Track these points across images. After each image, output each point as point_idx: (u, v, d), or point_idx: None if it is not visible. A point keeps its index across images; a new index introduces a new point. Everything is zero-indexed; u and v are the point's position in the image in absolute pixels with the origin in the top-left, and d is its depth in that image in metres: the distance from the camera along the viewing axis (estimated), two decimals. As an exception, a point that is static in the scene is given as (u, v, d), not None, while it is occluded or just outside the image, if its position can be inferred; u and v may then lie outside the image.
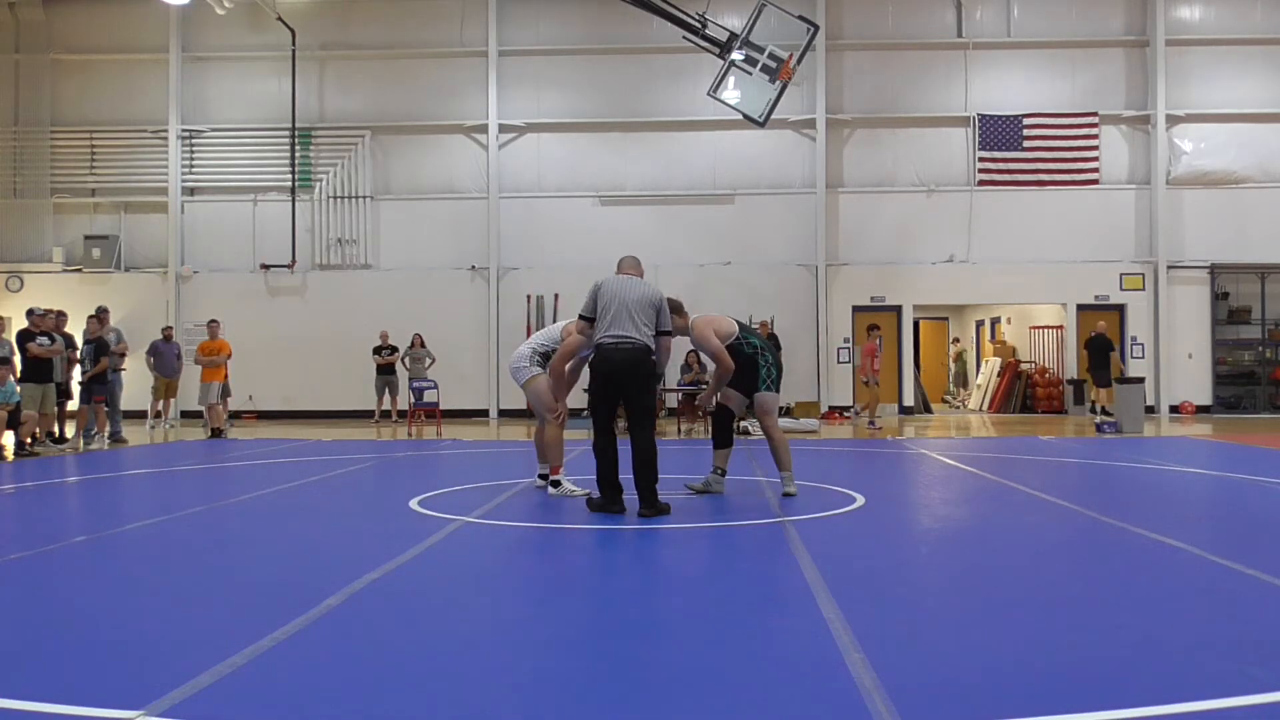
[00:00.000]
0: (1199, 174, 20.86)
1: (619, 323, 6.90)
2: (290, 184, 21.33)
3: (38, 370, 13.28)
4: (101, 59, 21.72)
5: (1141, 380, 17.32)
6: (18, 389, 12.88)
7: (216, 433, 15.86)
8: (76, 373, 14.43)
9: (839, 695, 3.20)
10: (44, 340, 13.38)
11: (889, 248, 21.00)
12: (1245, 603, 4.51)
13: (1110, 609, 4.41)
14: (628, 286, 7.11)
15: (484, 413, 20.89)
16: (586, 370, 7.35)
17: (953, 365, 25.94)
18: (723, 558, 5.74)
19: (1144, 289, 20.95)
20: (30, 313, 13.65)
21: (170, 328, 17.94)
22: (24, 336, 13.38)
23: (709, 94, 17.27)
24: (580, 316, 7.16)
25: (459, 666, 3.65)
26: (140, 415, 17.81)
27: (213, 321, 16.75)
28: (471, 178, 21.36)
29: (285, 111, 21.22)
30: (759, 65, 16.16)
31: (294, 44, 21.04)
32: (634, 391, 6.89)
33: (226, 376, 17.36)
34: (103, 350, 14.42)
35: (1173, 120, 20.84)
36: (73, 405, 14.41)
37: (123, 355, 15.46)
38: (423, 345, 19.24)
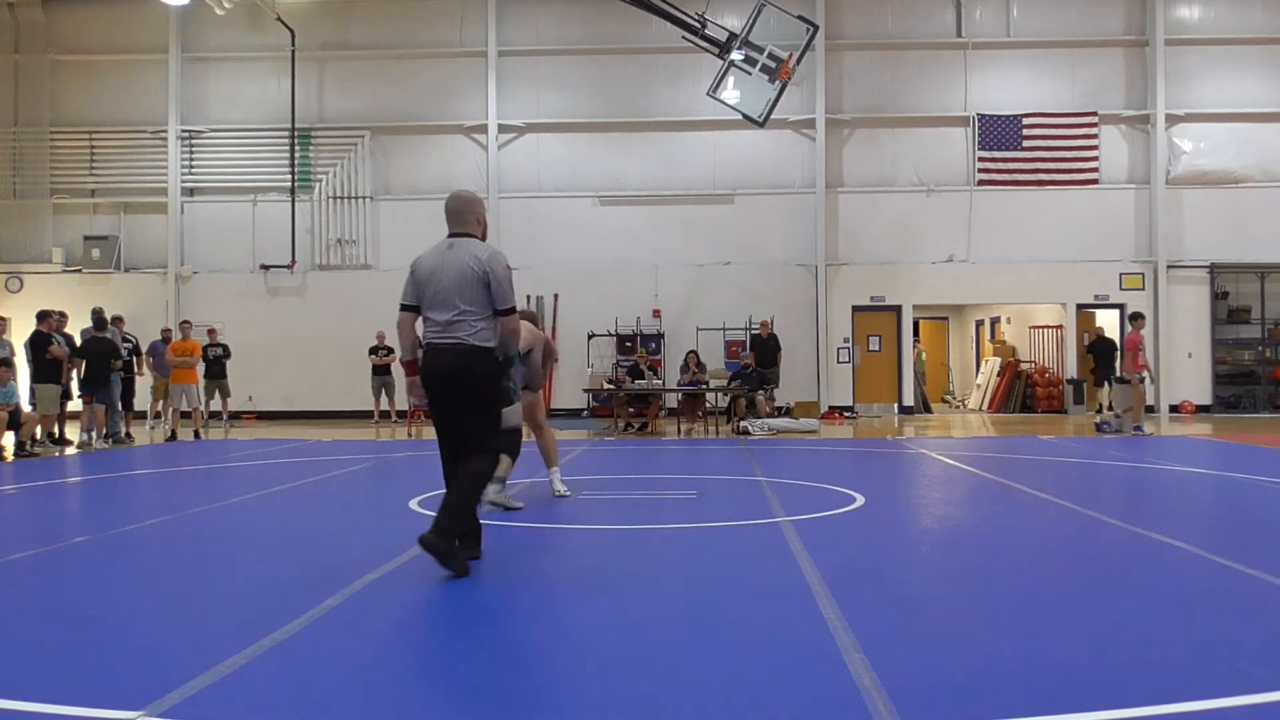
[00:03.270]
0: (1199, 174, 20.86)
1: (437, 308, 5.14)
2: (290, 184, 21.33)
3: (51, 371, 13.32)
4: (101, 59, 21.72)
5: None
6: (17, 390, 12.89)
7: (173, 435, 15.56)
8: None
9: (839, 695, 3.20)
10: (58, 339, 13.46)
11: (889, 248, 20.99)
12: (1245, 603, 4.51)
13: (1110, 609, 4.40)
14: (446, 259, 5.18)
15: (484, 413, 20.84)
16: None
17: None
18: (723, 558, 5.74)
19: (1144, 289, 20.95)
20: (45, 315, 13.66)
21: (169, 329, 17.94)
22: (40, 338, 13.39)
23: (708, 94, 17.27)
24: (401, 306, 5.31)
25: (459, 666, 3.65)
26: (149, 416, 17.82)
27: (184, 322, 16.68)
28: (471, 178, 21.33)
29: (285, 112, 21.22)
30: (758, 65, 16.16)
31: (293, 44, 21.04)
32: (469, 403, 5.18)
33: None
34: (110, 352, 14.42)
35: (1172, 120, 20.85)
36: (73, 405, 14.41)
37: (121, 355, 15.31)
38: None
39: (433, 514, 7.10)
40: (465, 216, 5.30)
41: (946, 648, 3.79)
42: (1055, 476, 9.75)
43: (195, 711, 3.11)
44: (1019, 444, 13.64)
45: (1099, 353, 18.70)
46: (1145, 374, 15.35)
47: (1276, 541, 6.18)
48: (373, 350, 19.19)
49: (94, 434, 14.14)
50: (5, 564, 5.51)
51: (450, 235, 5.26)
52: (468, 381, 5.12)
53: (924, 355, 25.60)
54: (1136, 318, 16.06)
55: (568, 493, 8.01)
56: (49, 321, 13.57)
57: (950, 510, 7.69)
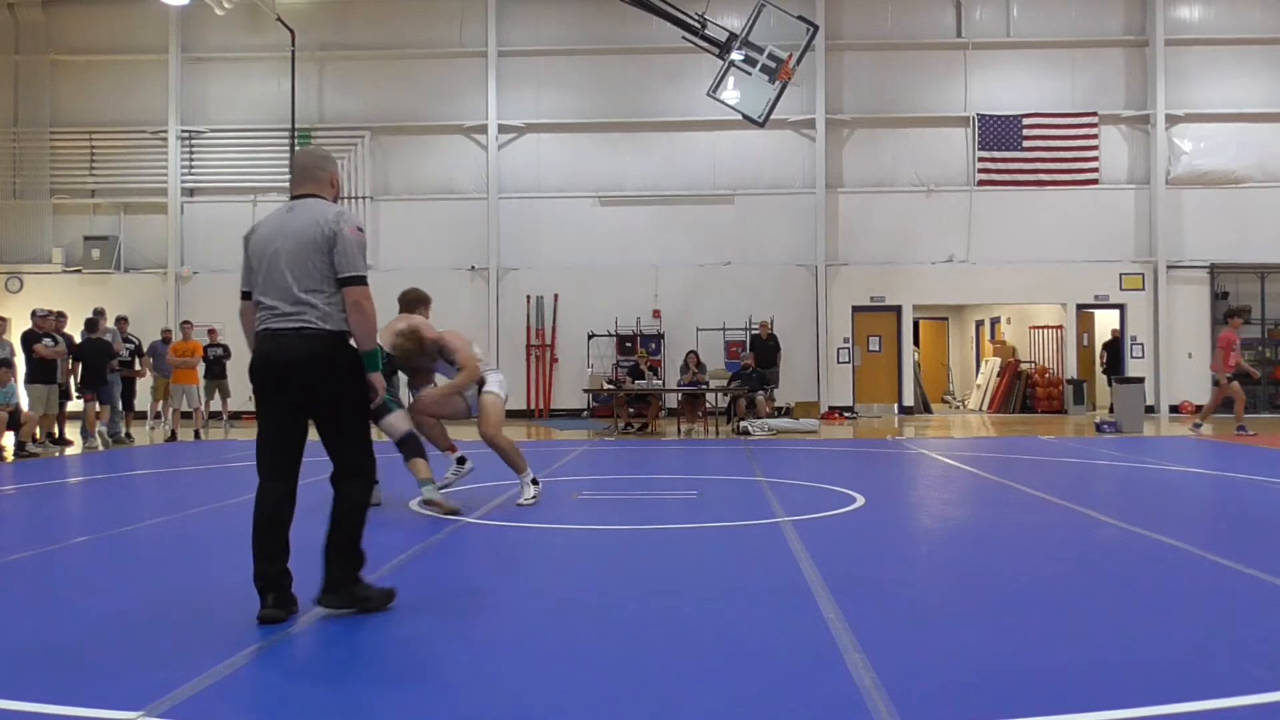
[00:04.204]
0: (1198, 174, 20.87)
1: (270, 291, 4.15)
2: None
3: (44, 371, 13.32)
4: (101, 59, 21.72)
5: (1141, 380, 17.32)
6: (19, 390, 12.89)
7: (173, 435, 15.60)
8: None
9: (839, 695, 3.20)
10: (48, 341, 13.42)
11: (888, 248, 21.00)
12: (1245, 603, 4.51)
13: (1110, 609, 4.40)
14: (285, 223, 4.21)
15: (484, 413, 20.85)
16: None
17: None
18: (723, 558, 5.74)
19: (1144, 289, 20.95)
20: (34, 314, 13.69)
21: (169, 329, 17.93)
22: (30, 337, 13.40)
23: (709, 94, 17.27)
24: (241, 294, 4.34)
25: (458, 666, 3.65)
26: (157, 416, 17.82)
27: (185, 323, 16.72)
28: (471, 178, 21.36)
29: (284, 112, 21.22)
30: (758, 65, 16.16)
31: (293, 44, 21.03)
32: (323, 410, 4.19)
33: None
34: (104, 353, 14.41)
35: (1172, 120, 20.85)
36: (73, 406, 14.41)
37: (120, 355, 15.30)
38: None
39: (433, 514, 7.14)
40: (315, 174, 4.34)
41: (947, 648, 3.79)
42: (1055, 476, 9.75)
43: (195, 711, 3.11)
44: (1019, 444, 13.64)
45: (1114, 351, 18.79)
46: (1233, 373, 14.59)
47: (1276, 541, 6.18)
48: (374, 350, 19.15)
49: (88, 433, 14.11)
50: (5, 564, 5.51)
51: (293, 197, 4.31)
52: (317, 378, 4.10)
53: (917, 358, 25.60)
54: (1234, 315, 15.37)
55: (529, 501, 7.54)
56: (38, 320, 13.56)
57: (950, 510, 7.69)
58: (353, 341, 4.19)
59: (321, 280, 4.11)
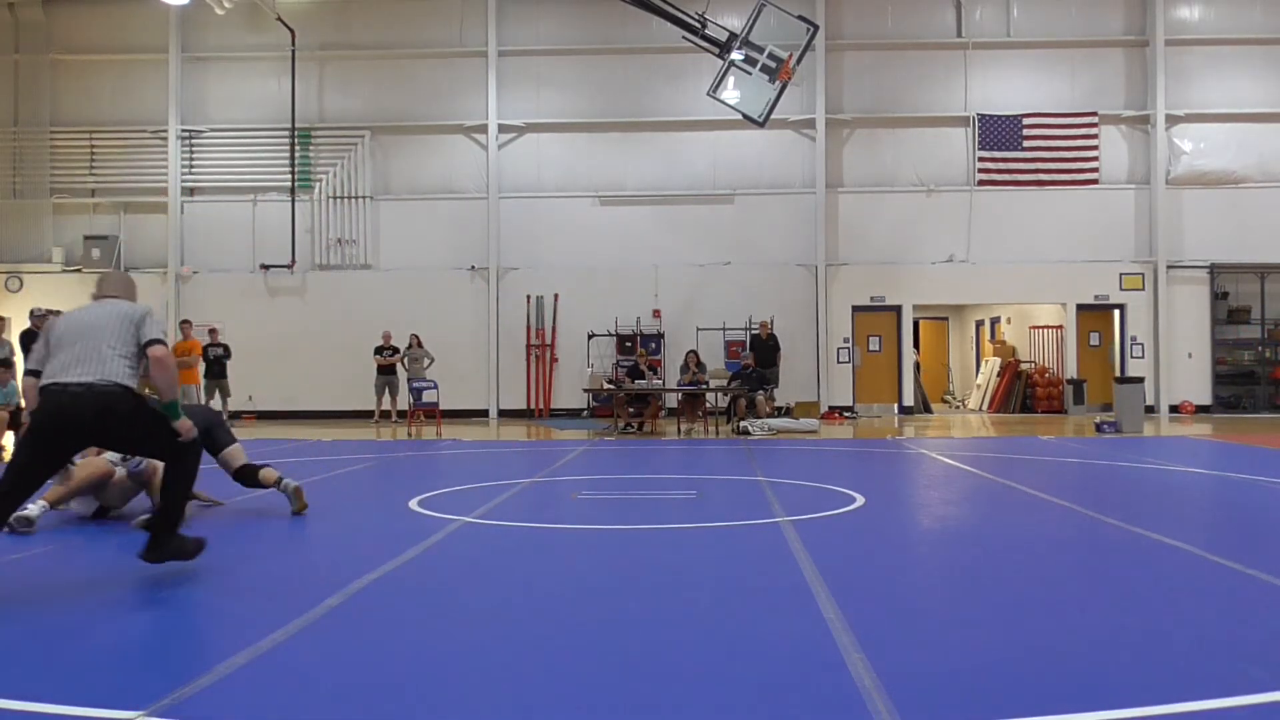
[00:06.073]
0: (1198, 174, 20.87)
1: (78, 364, 4.71)
2: (290, 184, 21.33)
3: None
4: (101, 59, 21.72)
5: (1141, 380, 17.32)
6: (18, 390, 12.86)
7: None
8: None
9: (839, 695, 3.20)
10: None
11: (889, 248, 21.00)
12: (1245, 603, 4.51)
13: (1110, 609, 4.41)
14: (93, 314, 4.91)
15: (484, 413, 20.89)
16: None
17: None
18: (723, 558, 5.74)
19: (1144, 289, 20.96)
20: (33, 313, 13.68)
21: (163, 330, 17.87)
22: (29, 336, 13.40)
23: (709, 94, 17.26)
24: (28, 371, 4.97)
25: (459, 666, 3.65)
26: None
27: (185, 322, 16.73)
28: (471, 178, 21.36)
29: (285, 112, 21.22)
30: (758, 65, 16.15)
31: (293, 44, 21.04)
32: (125, 439, 4.98)
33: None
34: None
35: (1172, 120, 20.85)
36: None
37: None
38: (420, 345, 19.25)
39: (432, 513, 7.14)
40: (124, 287, 5.22)
41: (946, 647, 3.79)
42: (1055, 476, 9.75)
43: (195, 711, 3.11)
44: (1019, 444, 13.64)
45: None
46: None
47: (1276, 541, 6.19)
48: (377, 350, 19.19)
49: None
50: (5, 564, 5.51)
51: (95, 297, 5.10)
52: (115, 417, 4.76)
53: (917, 358, 25.61)
54: None
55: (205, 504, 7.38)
56: (36, 319, 13.55)
57: (950, 510, 7.69)
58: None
59: (124, 355, 4.83)
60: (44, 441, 4.71)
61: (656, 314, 20.78)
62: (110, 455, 7.00)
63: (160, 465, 6.45)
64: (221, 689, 3.31)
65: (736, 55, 16.34)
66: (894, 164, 21.15)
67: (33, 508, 6.35)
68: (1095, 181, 20.85)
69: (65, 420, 4.65)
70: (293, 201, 21.33)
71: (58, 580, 5.30)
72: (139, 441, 5.04)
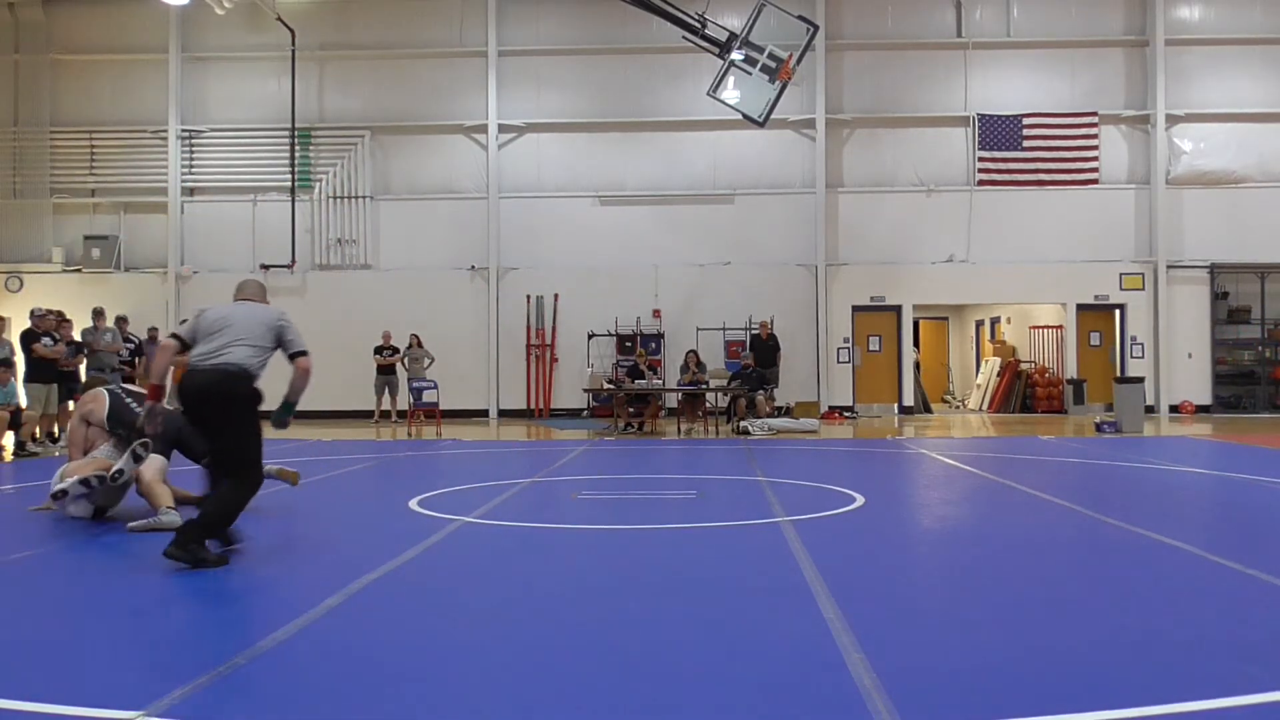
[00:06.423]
0: (1198, 174, 20.86)
1: (218, 353, 5.77)
2: (290, 184, 21.33)
3: (43, 370, 13.31)
4: (101, 59, 21.71)
5: (1141, 380, 17.33)
6: (19, 390, 12.89)
7: None
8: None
9: (839, 695, 3.20)
10: (47, 340, 13.41)
11: (889, 248, 21.00)
12: (1245, 603, 4.51)
13: (1110, 609, 4.41)
14: (238, 312, 6.09)
15: (484, 413, 20.88)
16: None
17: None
18: (723, 558, 5.74)
19: (1143, 289, 20.95)
20: (33, 313, 13.68)
21: (156, 328, 17.77)
22: (29, 337, 13.40)
23: (709, 94, 17.26)
24: (173, 335, 6.13)
25: (459, 666, 3.65)
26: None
27: (184, 322, 16.63)
28: (471, 178, 21.36)
29: (285, 111, 21.22)
30: (759, 65, 16.14)
31: (293, 44, 21.03)
32: (220, 422, 5.65)
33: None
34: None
35: (1172, 120, 20.84)
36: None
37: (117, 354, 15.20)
38: (420, 345, 19.25)
39: (432, 513, 7.14)
40: (261, 294, 6.51)
41: (946, 647, 3.79)
42: (1055, 476, 9.75)
43: (195, 711, 3.11)
44: (1019, 444, 13.64)
45: None
46: None
47: (1276, 541, 6.19)
48: (377, 350, 19.19)
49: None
50: (5, 563, 5.51)
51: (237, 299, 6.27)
52: (230, 393, 5.70)
53: (917, 358, 25.62)
54: None
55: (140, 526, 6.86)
56: (36, 320, 13.55)
57: (950, 510, 7.69)
58: None
59: (258, 348, 5.97)
60: (191, 412, 5.67)
61: (656, 314, 20.78)
62: (110, 454, 7.04)
63: (145, 471, 6.75)
64: (221, 689, 3.31)
65: (736, 55, 16.33)
66: (894, 164, 21.15)
67: (68, 482, 6.74)
68: (1095, 181, 20.85)
69: (202, 394, 5.59)
70: (293, 201, 21.33)
71: (57, 580, 5.30)
72: (235, 425, 5.63)
